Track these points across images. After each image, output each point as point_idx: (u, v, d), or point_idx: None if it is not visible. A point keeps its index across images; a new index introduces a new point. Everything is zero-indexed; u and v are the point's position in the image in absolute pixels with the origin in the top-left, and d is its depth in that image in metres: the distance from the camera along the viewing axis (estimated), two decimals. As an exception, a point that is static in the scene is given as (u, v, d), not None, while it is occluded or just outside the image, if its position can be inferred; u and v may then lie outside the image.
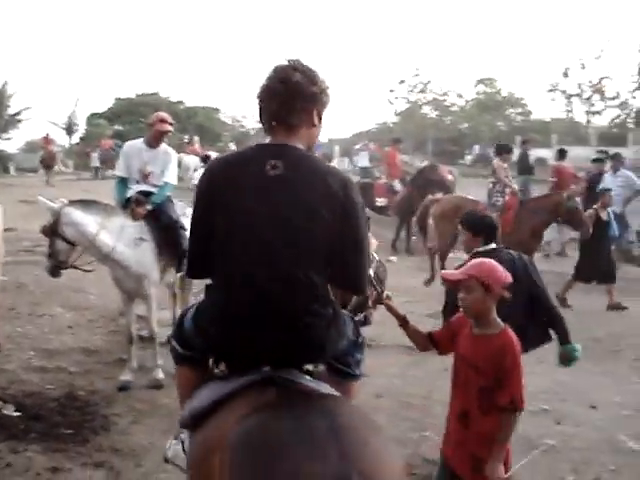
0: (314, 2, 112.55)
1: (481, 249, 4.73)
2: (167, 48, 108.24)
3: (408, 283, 10.92)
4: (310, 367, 2.70)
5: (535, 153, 23.90)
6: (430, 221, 11.26)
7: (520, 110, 55.62)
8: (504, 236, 9.39)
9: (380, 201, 15.14)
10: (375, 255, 4.31)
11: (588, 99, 52.30)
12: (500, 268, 3.42)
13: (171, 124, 6.97)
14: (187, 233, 6.76)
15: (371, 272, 3.68)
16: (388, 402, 6.19)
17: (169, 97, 50.69)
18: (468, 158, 42.64)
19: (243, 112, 60.04)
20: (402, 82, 52.91)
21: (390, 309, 3.77)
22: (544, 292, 4.74)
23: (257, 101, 2.76)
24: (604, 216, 10.15)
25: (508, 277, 3.38)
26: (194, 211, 2.78)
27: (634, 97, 46.18)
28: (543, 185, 16.15)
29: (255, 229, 2.57)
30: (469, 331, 3.50)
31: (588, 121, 53.41)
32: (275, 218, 2.55)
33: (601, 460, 5.22)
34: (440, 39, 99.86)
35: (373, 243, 4.18)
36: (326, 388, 2.61)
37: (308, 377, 2.64)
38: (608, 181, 12.72)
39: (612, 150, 17.73)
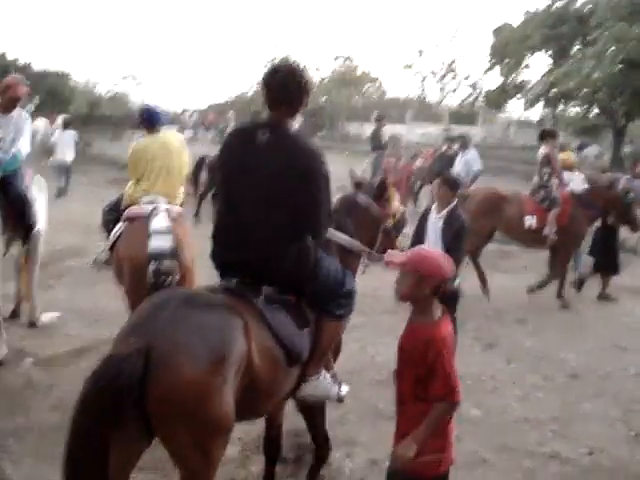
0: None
1: (452, 205, 6.29)
2: (12, 8, 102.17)
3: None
4: (269, 291, 3.48)
5: (391, 129, 24.43)
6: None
7: (377, 86, 56.72)
8: (560, 229, 9.21)
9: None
10: (401, 207, 4.96)
11: (442, 78, 54.08)
12: (442, 262, 3.36)
13: (27, 87, 6.63)
14: (35, 204, 6.58)
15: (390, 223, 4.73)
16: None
17: (17, 59, 47.76)
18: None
19: (95, 77, 57.87)
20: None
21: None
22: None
23: (264, 87, 3.61)
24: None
25: (447, 272, 3.31)
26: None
27: (482, 80, 48.10)
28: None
29: (238, 180, 3.52)
30: (409, 320, 3.48)
31: (441, 100, 55.29)
32: (254, 173, 3.46)
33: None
34: (299, 14, 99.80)
35: (397, 197, 4.86)
36: (268, 307, 3.40)
37: (262, 297, 3.42)
38: (457, 160, 13.21)
39: (463, 129, 18.41)
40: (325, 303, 3.72)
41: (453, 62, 52.75)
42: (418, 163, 16.49)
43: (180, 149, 5.88)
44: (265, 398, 3.41)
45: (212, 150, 17.71)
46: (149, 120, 5.98)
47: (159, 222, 5.28)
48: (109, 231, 5.81)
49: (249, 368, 3.10)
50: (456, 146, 14.18)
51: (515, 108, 49.09)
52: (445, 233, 6.28)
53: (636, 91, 30.01)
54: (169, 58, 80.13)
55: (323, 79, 55.35)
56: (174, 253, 5.13)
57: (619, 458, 5.20)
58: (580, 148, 16.72)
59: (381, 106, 49.87)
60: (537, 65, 44.44)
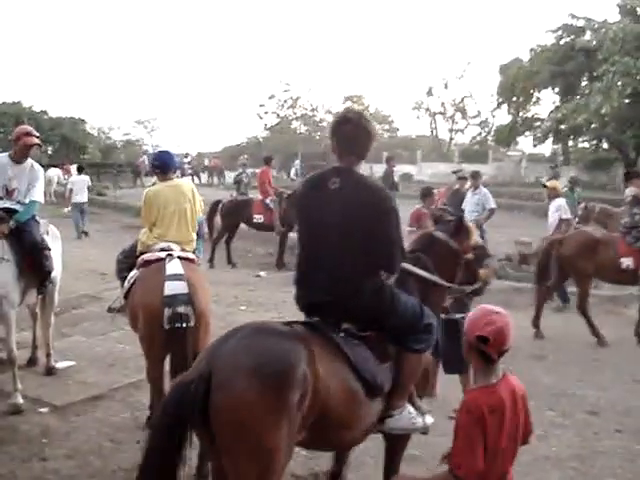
0: (184, 14, 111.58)
1: None
2: (29, 56, 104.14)
3: (277, 298, 10.97)
4: (348, 326, 3.73)
5: (401, 169, 24.50)
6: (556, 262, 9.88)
7: (387, 127, 57.14)
8: None
9: (257, 218, 15.17)
10: (479, 239, 5.05)
11: (451, 117, 54.47)
12: (473, 321, 3.14)
13: (37, 137, 6.70)
14: (51, 253, 6.63)
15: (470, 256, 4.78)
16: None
17: (32, 106, 48.52)
18: (291, 172, 41.00)
19: (109, 123, 58.56)
20: (272, 97, 53.36)
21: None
22: None
23: (334, 136, 3.89)
24: None
25: (476, 330, 3.07)
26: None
27: (494, 116, 48.45)
28: (407, 200, 16.59)
29: (315, 226, 3.81)
30: None
31: (451, 138, 55.63)
32: (329, 218, 3.69)
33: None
34: (310, 56, 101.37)
35: (476, 232, 5.02)
36: (347, 342, 3.62)
37: (342, 333, 3.67)
38: (468, 198, 13.12)
39: (474, 167, 18.53)
40: (405, 338, 3.87)
41: (462, 100, 53.24)
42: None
43: (193, 195, 5.92)
44: (343, 429, 3.55)
45: (219, 195, 17.90)
46: (162, 166, 6.03)
47: (173, 268, 5.30)
48: (123, 278, 5.83)
49: (316, 396, 3.24)
50: (468, 184, 14.17)
51: (525, 144, 49.36)
52: None
53: (645, 124, 30.13)
54: (182, 102, 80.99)
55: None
56: (189, 299, 5.14)
57: (643, 494, 5.14)
58: (553, 178, 17.16)
59: (392, 146, 50.31)
60: (546, 101, 44.67)
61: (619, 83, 28.44)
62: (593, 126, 31.88)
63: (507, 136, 42.06)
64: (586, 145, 39.48)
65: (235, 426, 2.99)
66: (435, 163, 44.07)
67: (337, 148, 3.88)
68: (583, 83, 36.64)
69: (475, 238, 4.86)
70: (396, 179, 18.18)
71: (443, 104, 54.12)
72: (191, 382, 3.05)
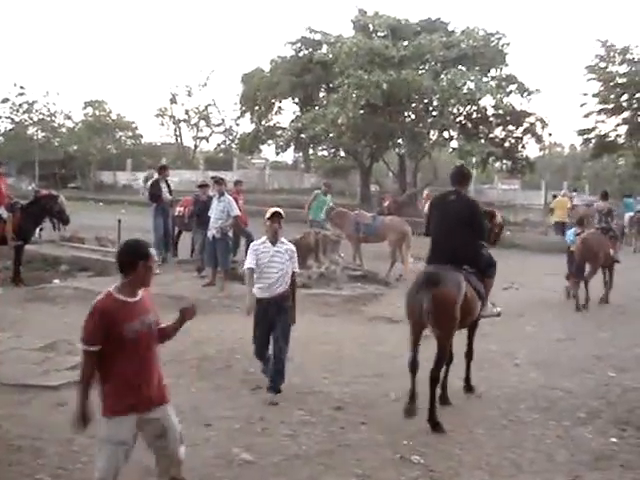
0: None
1: None
2: None
3: (14, 316, 10.30)
4: (467, 267, 7.01)
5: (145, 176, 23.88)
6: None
7: (130, 134, 55.84)
8: None
9: (-13, 230, 13.76)
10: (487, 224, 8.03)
11: (195, 125, 54.51)
12: None
13: None
14: None
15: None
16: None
17: None
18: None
19: None
20: (5, 101, 49.94)
21: None
22: None
23: (452, 175, 7.54)
24: None
25: None
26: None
27: (237, 124, 49.02)
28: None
29: (440, 220, 7.29)
30: None
31: (196, 146, 55.67)
32: (449, 216, 7.19)
33: (218, 476, 5.38)
34: (47, 58, 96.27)
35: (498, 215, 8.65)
36: (467, 274, 7.00)
37: (464, 271, 6.95)
38: (214, 206, 13.06)
39: (219, 174, 18.67)
40: (487, 270, 7.42)
41: (206, 108, 53.48)
42: (177, 210, 16.33)
43: None
44: (470, 315, 7.00)
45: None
46: None
47: None
48: None
49: (465, 297, 6.74)
50: (211, 192, 14.11)
51: (269, 152, 50.79)
52: None
53: (378, 134, 32.16)
54: None
55: (75, 125, 53.47)
56: None
57: (387, 482, 5.42)
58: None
59: (136, 153, 49.34)
60: (287, 110, 45.81)
61: (354, 95, 29.96)
62: (331, 135, 33.31)
63: (250, 144, 42.62)
64: (325, 153, 41.34)
65: (445, 307, 6.51)
66: (181, 171, 43.84)
67: (453, 180, 7.38)
68: (321, 94, 38.16)
69: (498, 218, 8.41)
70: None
71: (187, 112, 54.01)
72: (424, 283, 6.59)
